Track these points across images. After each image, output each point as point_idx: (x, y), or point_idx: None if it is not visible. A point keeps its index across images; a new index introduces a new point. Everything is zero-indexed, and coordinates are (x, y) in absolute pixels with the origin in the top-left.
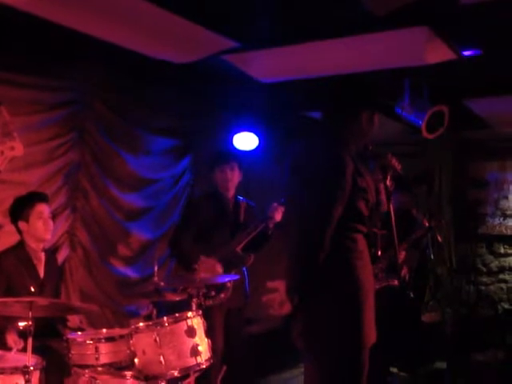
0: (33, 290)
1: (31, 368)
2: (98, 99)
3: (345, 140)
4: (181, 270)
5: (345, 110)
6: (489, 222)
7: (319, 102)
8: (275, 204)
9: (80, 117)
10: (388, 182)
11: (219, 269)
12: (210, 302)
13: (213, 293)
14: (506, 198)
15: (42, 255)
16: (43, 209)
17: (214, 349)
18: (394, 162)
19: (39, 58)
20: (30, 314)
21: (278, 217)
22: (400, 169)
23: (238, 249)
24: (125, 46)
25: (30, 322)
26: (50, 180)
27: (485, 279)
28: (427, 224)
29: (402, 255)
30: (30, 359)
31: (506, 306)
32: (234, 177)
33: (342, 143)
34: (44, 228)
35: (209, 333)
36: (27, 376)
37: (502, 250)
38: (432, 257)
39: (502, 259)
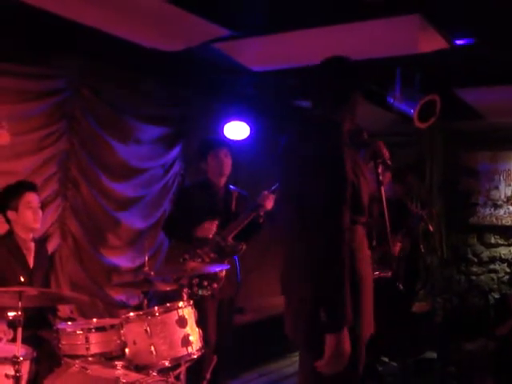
0: (22, 279)
1: (21, 358)
2: (87, 87)
3: (339, 126)
4: (174, 253)
5: (335, 93)
6: (480, 212)
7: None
8: (265, 192)
9: (69, 105)
10: (379, 170)
11: (213, 224)
12: (203, 293)
13: (205, 283)
14: (497, 188)
15: (32, 245)
16: (32, 198)
17: (206, 340)
18: (384, 151)
19: (26, 46)
20: (20, 304)
21: (269, 205)
22: (389, 157)
23: (230, 238)
24: (114, 33)
25: (20, 312)
26: (39, 169)
27: (475, 269)
28: (420, 214)
29: (397, 246)
30: (19, 349)
31: (497, 295)
32: (228, 162)
33: (337, 130)
34: (33, 217)
35: (201, 324)
36: (17, 366)
37: (493, 240)
38: (422, 247)
39: (493, 249)
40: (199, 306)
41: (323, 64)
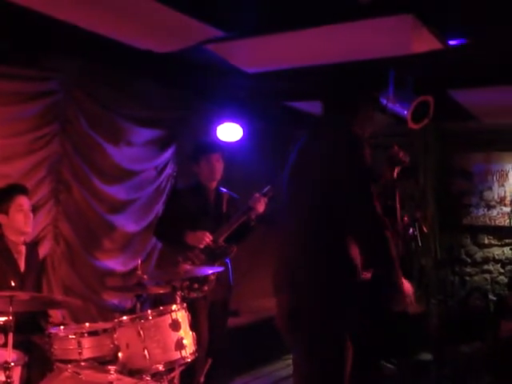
0: (13, 284)
1: (12, 364)
2: (80, 89)
3: (359, 131)
4: (167, 257)
5: (354, 99)
6: (473, 212)
7: (305, 92)
8: (257, 195)
9: (61, 107)
10: (395, 175)
11: (208, 236)
12: (193, 295)
13: (196, 285)
14: (490, 189)
15: (23, 248)
16: (23, 201)
17: (199, 342)
18: (402, 155)
19: (17, 47)
20: (11, 308)
21: (261, 208)
22: (407, 160)
23: (221, 240)
24: (107, 35)
25: (11, 317)
26: (31, 172)
27: (469, 270)
28: (406, 218)
29: None
30: (10, 355)
31: (491, 296)
32: (220, 167)
33: (360, 136)
34: (24, 221)
35: (193, 326)
36: (8, 372)
37: (486, 241)
38: (415, 248)
39: (486, 250)
40: (191, 308)
41: (341, 69)
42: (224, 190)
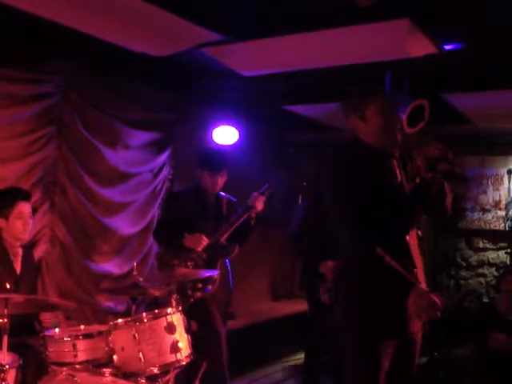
0: (8, 286)
1: (6, 366)
2: (76, 92)
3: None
4: (166, 259)
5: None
6: (468, 216)
7: (301, 95)
8: (256, 193)
9: (57, 110)
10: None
11: (205, 240)
12: (198, 295)
13: (199, 285)
14: (485, 192)
15: (19, 251)
16: (24, 208)
17: (215, 337)
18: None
19: (14, 50)
20: (6, 311)
21: (260, 206)
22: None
23: (222, 239)
24: (102, 38)
25: (6, 320)
26: (26, 175)
27: (464, 273)
28: None
29: None
30: (5, 357)
31: (486, 300)
32: (222, 182)
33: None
34: (23, 228)
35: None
36: (2, 375)
37: (481, 245)
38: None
39: (481, 254)
40: (202, 308)
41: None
42: (223, 194)
